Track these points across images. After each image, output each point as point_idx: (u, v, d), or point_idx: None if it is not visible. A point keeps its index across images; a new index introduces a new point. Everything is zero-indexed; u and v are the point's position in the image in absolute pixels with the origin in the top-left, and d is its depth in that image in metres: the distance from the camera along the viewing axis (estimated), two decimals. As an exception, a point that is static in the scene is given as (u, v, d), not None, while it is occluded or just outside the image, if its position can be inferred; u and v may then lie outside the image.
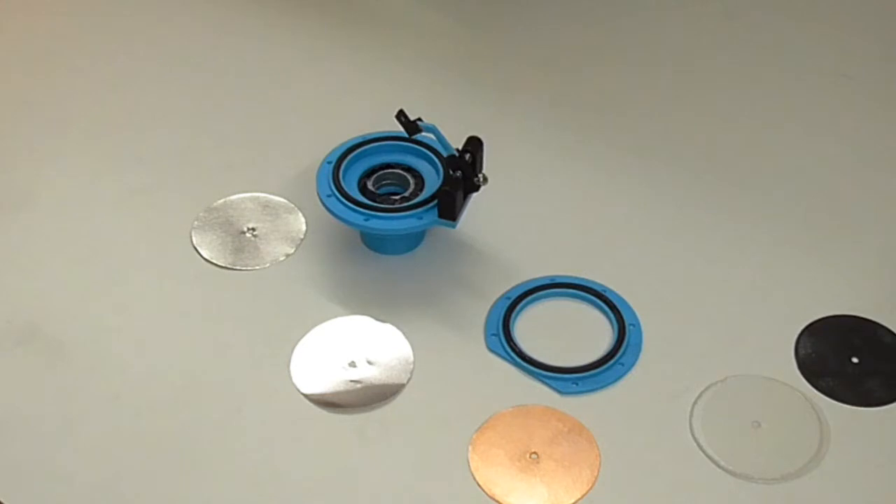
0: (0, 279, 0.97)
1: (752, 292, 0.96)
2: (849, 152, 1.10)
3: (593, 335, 0.92)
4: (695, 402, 0.87)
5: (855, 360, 0.90)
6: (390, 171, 0.97)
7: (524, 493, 0.82)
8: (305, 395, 0.87)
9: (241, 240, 1.00)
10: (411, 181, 0.96)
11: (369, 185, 0.96)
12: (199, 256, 0.98)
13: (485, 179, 0.93)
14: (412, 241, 0.99)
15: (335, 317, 0.93)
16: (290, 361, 0.90)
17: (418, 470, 0.83)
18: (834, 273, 0.97)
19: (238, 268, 0.98)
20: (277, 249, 0.99)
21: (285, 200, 1.03)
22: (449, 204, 0.91)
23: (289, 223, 1.01)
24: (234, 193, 1.04)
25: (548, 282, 0.95)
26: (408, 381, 0.89)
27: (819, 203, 1.04)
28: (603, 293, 0.94)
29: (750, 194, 1.05)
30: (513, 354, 0.90)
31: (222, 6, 1.28)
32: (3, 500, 0.80)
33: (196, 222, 1.01)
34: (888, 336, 0.92)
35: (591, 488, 0.82)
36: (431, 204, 0.93)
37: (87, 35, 1.24)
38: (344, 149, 0.98)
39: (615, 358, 0.89)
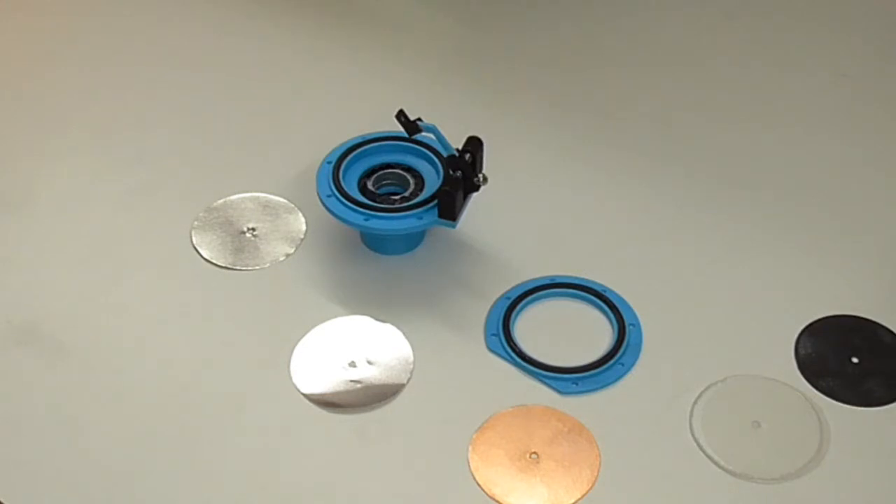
0: (0, 279, 0.97)
1: (752, 292, 0.96)
2: (849, 152, 1.10)
3: (593, 335, 0.92)
4: (695, 402, 0.87)
5: (855, 360, 0.90)
6: (390, 171, 0.97)
7: (524, 493, 0.82)
8: (305, 395, 0.87)
9: (241, 240, 1.00)
10: (411, 181, 0.96)
11: (369, 185, 0.96)
12: (199, 256, 0.98)
13: (485, 179, 0.93)
14: (412, 241, 0.99)
15: (335, 317, 0.93)
16: (290, 361, 0.90)
17: (418, 470, 0.83)
18: (834, 273, 0.97)
19: (238, 268, 0.98)
20: (277, 249, 0.99)
21: (285, 200, 1.03)
22: (449, 204, 0.91)
23: (289, 223, 1.01)
24: (234, 193, 1.04)
25: (548, 282, 0.95)
26: (408, 381, 0.89)
27: (819, 203, 1.04)
28: (603, 293, 0.94)
29: (750, 194, 1.05)
30: (513, 354, 0.90)
31: (223, 6, 1.28)
32: (3, 501, 0.80)
33: (196, 222, 1.01)
34: (888, 336, 0.92)
35: (591, 488, 0.82)
36: (431, 204, 0.93)
37: (88, 35, 1.25)
38: (344, 149, 0.98)
39: (615, 358, 0.89)
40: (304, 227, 1.01)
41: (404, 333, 0.92)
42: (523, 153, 1.09)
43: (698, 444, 0.84)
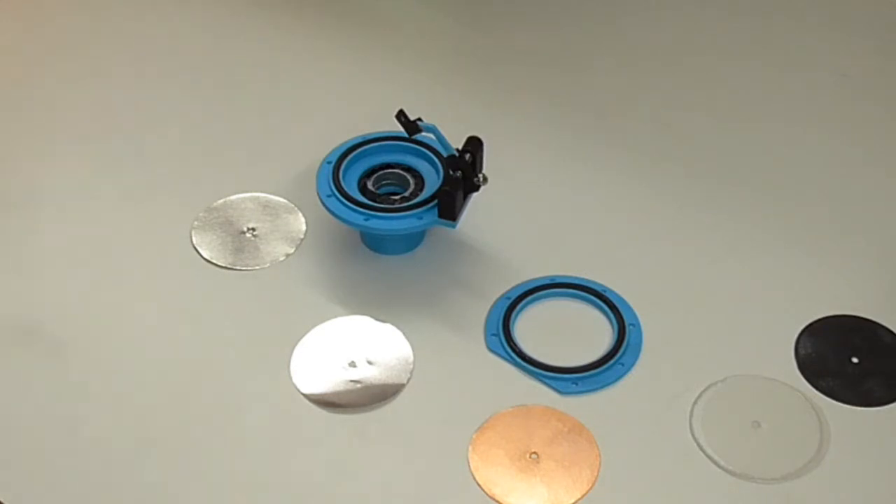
0: (0, 279, 0.97)
1: (752, 292, 0.96)
2: (848, 152, 1.10)
3: (593, 335, 0.92)
4: (695, 402, 0.87)
5: (855, 360, 0.90)
6: (390, 171, 0.97)
7: (524, 493, 0.82)
8: (305, 395, 0.87)
9: (241, 240, 1.00)
10: (411, 181, 0.96)
11: (369, 185, 0.96)
12: (199, 256, 0.98)
13: (485, 179, 0.93)
14: (412, 241, 0.99)
15: (335, 317, 0.93)
16: (290, 361, 0.90)
17: (418, 470, 0.83)
18: (834, 273, 0.97)
19: (238, 268, 0.98)
20: (277, 249, 0.99)
21: (285, 200, 1.03)
22: (449, 204, 0.91)
23: (289, 223, 1.01)
24: (234, 193, 1.04)
25: (548, 282, 0.95)
26: (408, 381, 0.89)
27: (819, 203, 1.04)
28: (603, 293, 0.94)
29: (750, 194, 1.05)
30: (513, 354, 0.90)
31: (223, 7, 1.28)
32: (2, 501, 0.80)
33: (196, 222, 1.01)
34: (888, 336, 0.92)
35: (591, 488, 0.82)
36: (431, 204, 0.92)
37: (88, 35, 1.24)
38: (344, 149, 0.98)
39: (615, 358, 0.89)
40: (304, 227, 1.01)
41: (404, 333, 0.92)
42: (523, 153, 1.09)
43: (698, 444, 0.84)
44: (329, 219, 0.94)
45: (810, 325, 0.93)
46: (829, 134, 1.12)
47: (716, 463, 0.83)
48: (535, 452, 0.84)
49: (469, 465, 0.83)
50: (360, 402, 0.87)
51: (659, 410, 0.87)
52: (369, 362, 0.90)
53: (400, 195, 0.95)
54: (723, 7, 1.29)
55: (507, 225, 1.01)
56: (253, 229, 1.01)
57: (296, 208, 1.03)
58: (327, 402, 0.87)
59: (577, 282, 0.95)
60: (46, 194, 1.05)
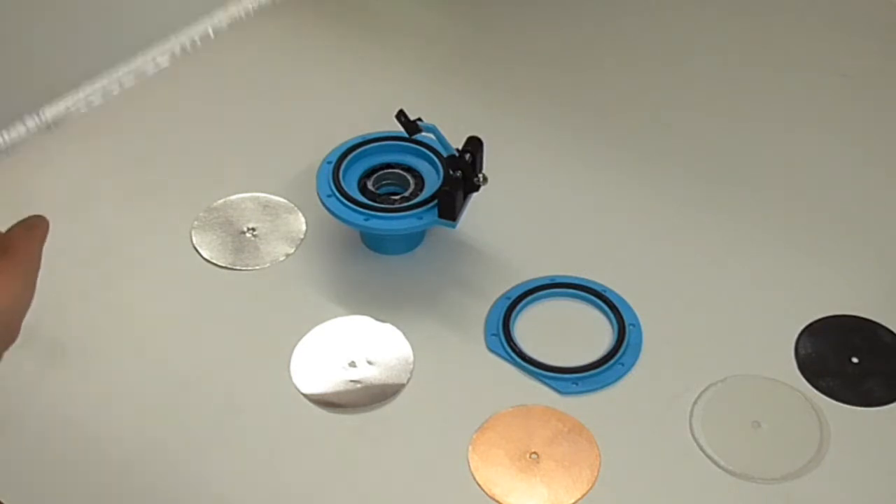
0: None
1: (752, 292, 0.96)
2: (848, 152, 1.10)
3: (593, 335, 0.92)
4: (695, 402, 0.87)
5: (855, 360, 0.90)
6: (390, 171, 0.97)
7: (524, 493, 0.82)
8: (305, 395, 0.87)
9: (241, 240, 1.00)
10: (411, 181, 0.96)
11: (369, 185, 0.96)
12: (199, 256, 0.98)
13: (485, 179, 0.93)
14: (412, 241, 0.99)
15: (335, 317, 0.93)
16: (290, 361, 0.90)
17: (418, 470, 0.83)
18: (834, 273, 0.97)
19: (238, 268, 0.98)
20: (277, 249, 0.99)
21: (285, 200, 1.03)
22: (449, 204, 0.91)
23: (289, 223, 1.01)
24: (234, 193, 1.04)
25: (548, 282, 0.95)
26: (408, 381, 0.89)
27: (819, 203, 1.04)
28: (603, 293, 0.94)
29: (750, 194, 1.05)
30: (513, 354, 0.90)
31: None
32: (2, 501, 0.80)
33: (196, 222, 1.01)
34: (888, 336, 0.92)
35: (591, 488, 0.82)
36: (431, 204, 0.92)
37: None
38: (344, 149, 0.98)
39: (615, 358, 0.89)
40: (304, 227, 1.01)
41: (404, 333, 0.92)
42: (523, 153, 1.09)
43: (698, 444, 0.84)
44: (329, 219, 0.94)
45: (810, 325, 0.93)
46: (829, 134, 1.12)
47: (716, 463, 0.83)
48: (535, 452, 0.84)
49: (469, 465, 0.83)
50: (360, 402, 0.87)
51: (659, 410, 0.87)
52: (369, 362, 0.90)
53: (400, 195, 0.95)
54: (723, 7, 1.29)
55: (507, 225, 1.01)
56: (253, 229, 1.01)
57: (296, 208, 1.03)
58: (327, 402, 0.87)
59: (577, 282, 0.95)
60: (46, 194, 1.05)
